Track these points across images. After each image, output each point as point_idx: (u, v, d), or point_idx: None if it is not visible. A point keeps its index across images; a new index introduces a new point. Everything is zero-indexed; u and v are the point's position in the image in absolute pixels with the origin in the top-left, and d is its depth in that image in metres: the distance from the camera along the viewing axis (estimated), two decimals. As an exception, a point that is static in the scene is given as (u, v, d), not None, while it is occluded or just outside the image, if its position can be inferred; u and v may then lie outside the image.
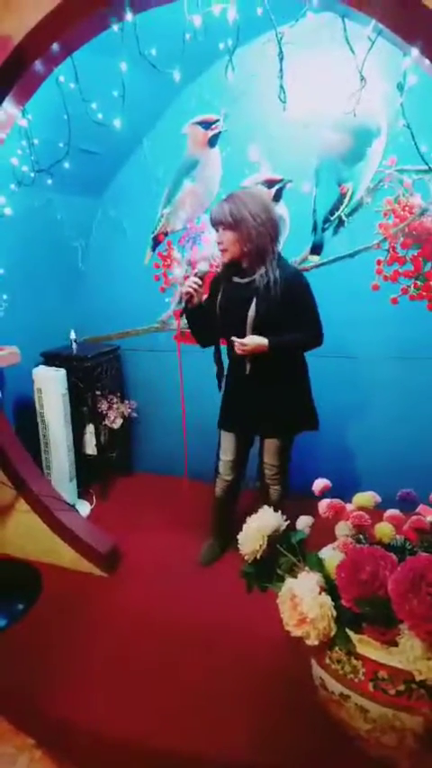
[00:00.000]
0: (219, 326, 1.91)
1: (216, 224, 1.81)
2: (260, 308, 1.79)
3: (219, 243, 1.82)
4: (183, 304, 1.94)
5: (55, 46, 1.63)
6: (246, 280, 1.84)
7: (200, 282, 1.87)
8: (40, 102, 1.85)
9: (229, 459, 2.09)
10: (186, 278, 1.96)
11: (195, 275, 1.88)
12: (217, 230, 1.82)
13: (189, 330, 2.02)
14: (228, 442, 2.08)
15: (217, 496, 2.18)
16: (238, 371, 1.92)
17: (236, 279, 1.87)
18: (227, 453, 2.09)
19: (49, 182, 2.27)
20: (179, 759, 1.37)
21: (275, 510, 1.36)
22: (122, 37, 1.73)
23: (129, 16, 1.61)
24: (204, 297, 1.92)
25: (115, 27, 1.68)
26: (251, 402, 1.93)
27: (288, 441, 2.04)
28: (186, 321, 1.98)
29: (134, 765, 1.40)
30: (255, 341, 1.78)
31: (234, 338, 1.80)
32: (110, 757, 1.41)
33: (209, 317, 1.92)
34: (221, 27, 1.73)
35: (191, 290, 1.85)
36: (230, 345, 1.86)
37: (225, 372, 2.02)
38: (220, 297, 1.90)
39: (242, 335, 1.81)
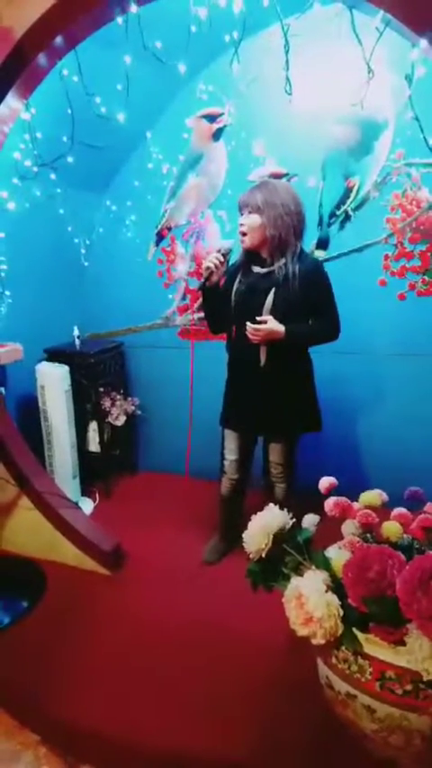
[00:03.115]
0: (232, 314, 1.87)
1: (243, 207, 1.78)
2: (278, 299, 1.76)
3: (240, 225, 1.79)
4: (202, 279, 1.86)
5: (58, 39, 1.62)
6: (265, 270, 1.81)
7: (222, 259, 1.80)
8: (43, 96, 1.84)
9: (234, 459, 2.08)
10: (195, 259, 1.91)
11: (218, 251, 1.81)
12: (242, 213, 1.79)
13: (203, 312, 1.97)
14: (232, 441, 2.06)
15: (223, 495, 2.17)
16: (251, 365, 1.86)
17: (255, 268, 1.84)
18: (231, 453, 2.07)
19: (53, 176, 2.25)
20: (183, 758, 1.37)
21: (281, 508, 1.34)
22: (126, 29, 1.72)
23: (133, 8, 1.59)
24: (223, 277, 1.88)
25: (119, 19, 1.67)
26: (259, 399, 1.90)
27: (293, 440, 2.02)
28: (201, 300, 1.94)
29: (137, 763, 1.39)
30: (270, 326, 1.74)
31: (249, 323, 1.75)
32: (113, 754, 1.40)
33: (224, 301, 1.88)
34: (227, 19, 1.71)
35: (212, 265, 1.80)
36: (242, 337, 1.81)
37: (231, 366, 1.99)
38: (237, 284, 1.86)
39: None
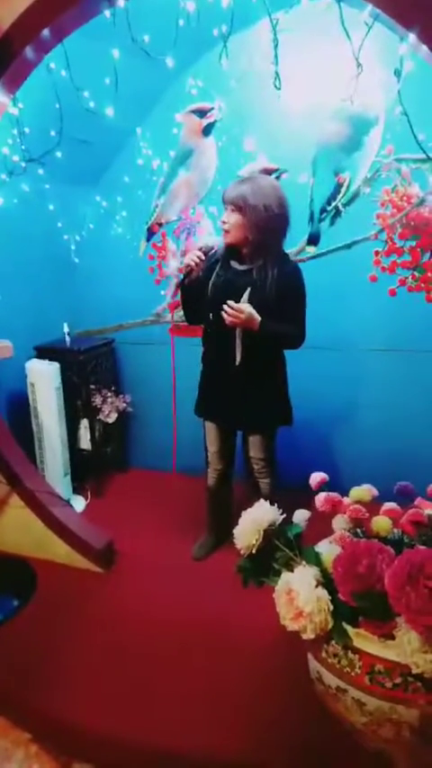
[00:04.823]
0: (206, 305, 1.85)
1: (227, 202, 1.75)
2: (253, 298, 1.75)
3: (223, 222, 1.77)
4: (183, 276, 1.87)
5: (45, 32, 1.59)
6: (243, 267, 1.80)
7: (203, 257, 1.81)
8: (30, 90, 1.82)
9: (216, 450, 2.08)
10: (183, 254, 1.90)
11: (200, 249, 1.82)
12: (225, 208, 1.77)
13: (181, 304, 1.96)
14: (212, 432, 2.07)
15: (210, 487, 2.17)
16: (226, 360, 1.85)
17: (234, 264, 1.83)
18: (213, 444, 2.08)
19: (41, 171, 2.24)
20: (174, 754, 1.37)
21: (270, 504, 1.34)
22: (114, 23, 1.70)
23: (121, 2, 1.57)
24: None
25: (107, 13, 1.65)
26: (233, 393, 1.90)
27: (270, 435, 2.02)
28: (180, 294, 1.94)
29: (129, 761, 1.39)
30: (250, 311, 1.69)
31: (230, 302, 1.69)
32: (105, 752, 1.40)
33: (201, 292, 1.86)
34: (215, 13, 1.70)
35: (192, 263, 1.80)
36: (218, 329, 1.79)
37: (205, 359, 1.98)
38: (214, 276, 1.85)
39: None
